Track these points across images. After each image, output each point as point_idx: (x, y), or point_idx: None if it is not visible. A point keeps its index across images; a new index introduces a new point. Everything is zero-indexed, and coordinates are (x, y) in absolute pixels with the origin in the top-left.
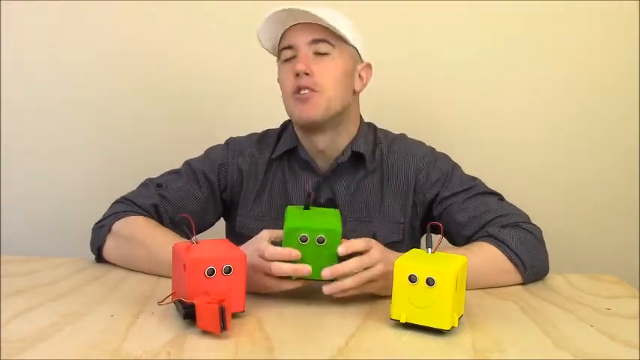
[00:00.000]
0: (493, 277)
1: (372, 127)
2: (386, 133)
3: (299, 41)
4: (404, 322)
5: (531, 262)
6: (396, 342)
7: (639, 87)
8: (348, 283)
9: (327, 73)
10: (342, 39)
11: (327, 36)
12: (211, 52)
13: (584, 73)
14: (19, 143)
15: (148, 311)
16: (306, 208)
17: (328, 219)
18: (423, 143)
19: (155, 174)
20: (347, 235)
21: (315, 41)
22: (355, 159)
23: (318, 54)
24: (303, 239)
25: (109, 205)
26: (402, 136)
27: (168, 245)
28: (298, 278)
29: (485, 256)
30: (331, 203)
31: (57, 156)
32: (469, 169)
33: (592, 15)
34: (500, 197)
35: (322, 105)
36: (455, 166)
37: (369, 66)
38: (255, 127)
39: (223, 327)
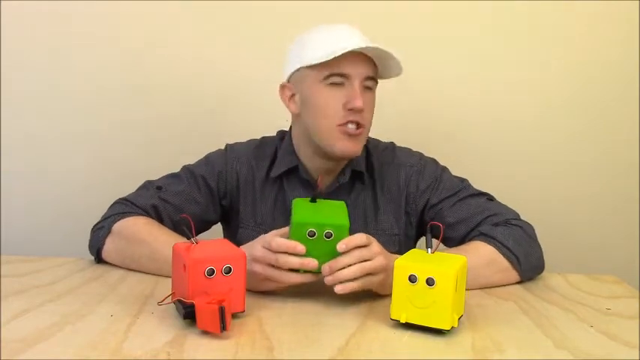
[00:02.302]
0: (490, 275)
1: None
2: (375, 143)
3: (356, 74)
4: (404, 322)
5: (525, 258)
6: (396, 342)
7: (639, 87)
8: (346, 272)
9: (371, 111)
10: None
11: (375, 73)
12: (213, 54)
13: (585, 73)
14: (19, 143)
15: (147, 311)
16: (313, 200)
17: (336, 213)
18: (410, 150)
19: (156, 174)
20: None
21: (369, 78)
22: (353, 176)
23: (365, 88)
24: (311, 234)
25: (109, 206)
26: (391, 145)
27: (171, 243)
28: (305, 272)
29: (481, 254)
30: None
31: (57, 156)
32: (468, 167)
33: (592, 15)
34: (490, 197)
35: (363, 142)
36: (443, 170)
37: None
38: (255, 129)
39: (223, 327)
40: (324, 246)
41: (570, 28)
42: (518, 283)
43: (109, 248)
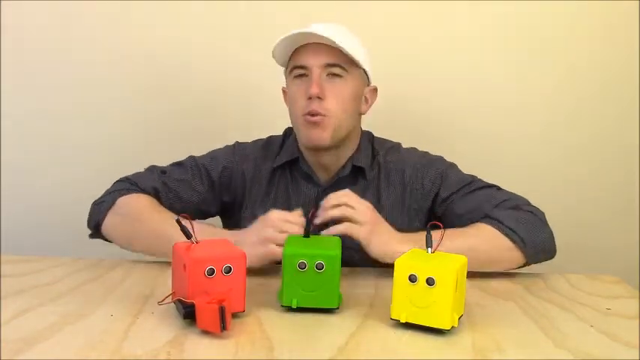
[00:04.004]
0: (493, 255)
1: (369, 136)
2: (382, 142)
3: (313, 63)
4: (404, 322)
5: (530, 238)
6: (396, 342)
7: (639, 87)
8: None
9: (338, 98)
10: (353, 62)
11: (341, 60)
12: (214, 52)
13: (585, 73)
14: (19, 143)
15: (147, 311)
16: (306, 236)
17: (328, 245)
18: (416, 150)
19: None
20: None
21: (329, 65)
22: (355, 171)
23: (330, 75)
24: (302, 266)
25: (112, 183)
26: (397, 145)
27: (176, 225)
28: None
29: (482, 234)
30: None
31: (57, 156)
32: (469, 169)
33: (592, 15)
34: (498, 187)
35: (331, 130)
36: (450, 166)
37: (375, 89)
38: (259, 127)
39: (223, 327)
40: (316, 279)
41: (570, 29)
42: (525, 265)
43: (110, 222)
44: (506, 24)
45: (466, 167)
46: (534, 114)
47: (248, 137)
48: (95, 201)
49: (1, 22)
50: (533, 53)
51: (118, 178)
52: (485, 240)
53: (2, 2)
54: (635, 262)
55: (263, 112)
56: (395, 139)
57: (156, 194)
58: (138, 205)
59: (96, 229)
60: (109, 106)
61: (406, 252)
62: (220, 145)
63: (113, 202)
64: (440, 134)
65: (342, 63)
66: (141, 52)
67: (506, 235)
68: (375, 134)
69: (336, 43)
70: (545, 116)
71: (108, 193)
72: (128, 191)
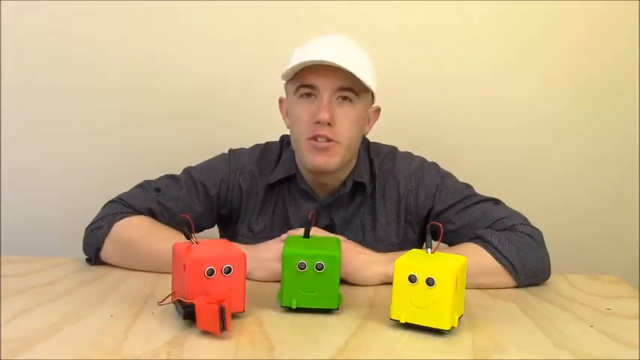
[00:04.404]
0: (481, 278)
1: (365, 145)
2: (377, 149)
3: (324, 86)
4: (404, 322)
5: (522, 264)
6: (396, 342)
7: (639, 87)
8: None
9: (347, 123)
10: (365, 86)
11: (353, 84)
12: (213, 54)
13: (585, 73)
14: (19, 143)
15: (147, 311)
16: (306, 236)
17: (328, 246)
18: (412, 156)
19: (155, 174)
20: None
21: (341, 89)
22: (355, 187)
23: (340, 99)
24: (302, 266)
25: (102, 206)
26: (392, 153)
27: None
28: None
29: (471, 256)
30: (329, 229)
31: (57, 156)
32: (469, 169)
33: (592, 15)
34: (496, 201)
35: (339, 156)
36: (445, 177)
37: (378, 110)
38: (256, 132)
39: (223, 327)
40: (316, 279)
41: (570, 29)
42: (517, 287)
43: (109, 249)
44: (506, 25)
45: (466, 168)
46: (534, 115)
47: (246, 141)
48: (89, 226)
49: (1, 22)
50: (533, 51)
51: (109, 190)
52: (474, 262)
53: (2, 2)
54: (635, 262)
55: (261, 115)
56: (391, 140)
57: (151, 215)
58: (137, 229)
59: (94, 256)
60: (108, 106)
61: (389, 271)
62: (217, 146)
63: (109, 228)
64: (439, 131)
65: (354, 87)
66: (141, 53)
67: (497, 259)
68: (375, 134)
69: (355, 74)
70: (545, 117)
71: (101, 217)
72: (123, 215)
